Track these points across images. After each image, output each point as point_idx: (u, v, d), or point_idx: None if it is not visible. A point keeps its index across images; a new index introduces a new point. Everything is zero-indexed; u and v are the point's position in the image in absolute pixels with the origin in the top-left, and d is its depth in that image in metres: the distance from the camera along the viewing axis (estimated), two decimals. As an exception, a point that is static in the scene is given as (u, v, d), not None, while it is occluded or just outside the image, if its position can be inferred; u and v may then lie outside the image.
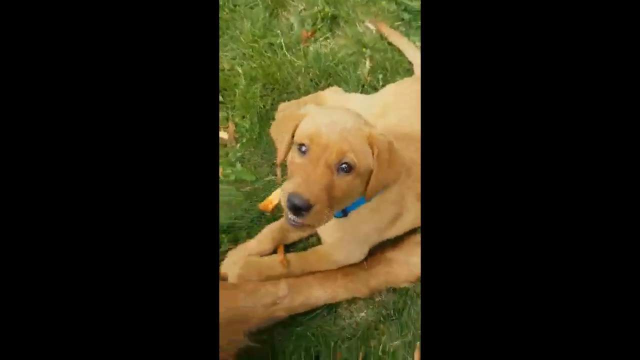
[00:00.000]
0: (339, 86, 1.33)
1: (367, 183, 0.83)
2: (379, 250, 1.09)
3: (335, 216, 0.90)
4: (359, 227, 1.00)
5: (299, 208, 0.76)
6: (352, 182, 0.81)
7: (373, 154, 0.81)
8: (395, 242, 1.10)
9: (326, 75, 1.35)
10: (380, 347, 1.05)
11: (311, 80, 1.35)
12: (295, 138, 0.84)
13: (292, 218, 0.81)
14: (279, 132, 0.87)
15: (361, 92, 1.32)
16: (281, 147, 0.86)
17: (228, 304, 0.99)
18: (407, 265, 1.08)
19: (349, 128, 0.80)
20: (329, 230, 1.03)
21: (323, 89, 1.32)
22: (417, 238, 1.11)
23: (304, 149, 0.81)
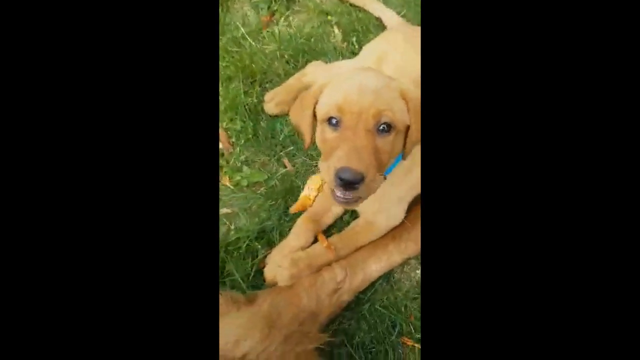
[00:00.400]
0: (317, 60, 1.28)
1: (405, 139, 0.80)
2: (417, 204, 1.07)
3: None
4: (394, 189, 0.97)
5: (351, 182, 0.70)
6: (393, 141, 0.77)
7: (408, 108, 0.76)
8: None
9: (301, 53, 1.30)
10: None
11: (287, 63, 1.29)
12: (319, 114, 0.78)
13: (340, 195, 0.77)
14: (299, 114, 0.81)
15: (342, 59, 1.29)
16: (305, 129, 0.80)
17: (293, 305, 0.94)
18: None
19: (379, 87, 0.75)
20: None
21: (302, 67, 1.27)
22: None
23: (334, 121, 0.75)
